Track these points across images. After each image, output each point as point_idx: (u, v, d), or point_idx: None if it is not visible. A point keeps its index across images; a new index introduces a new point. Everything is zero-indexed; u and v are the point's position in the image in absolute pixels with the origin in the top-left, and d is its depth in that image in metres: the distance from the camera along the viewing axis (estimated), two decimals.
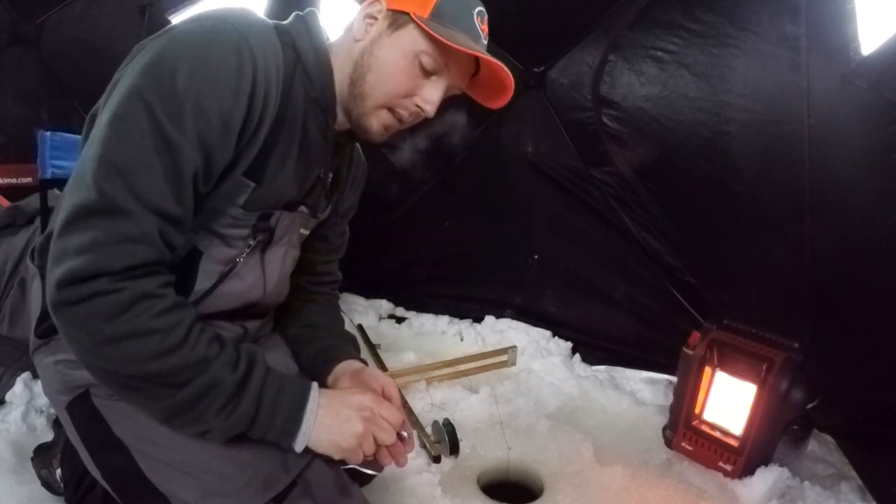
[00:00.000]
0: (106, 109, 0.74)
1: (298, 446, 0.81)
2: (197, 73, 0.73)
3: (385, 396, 0.93)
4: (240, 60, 0.75)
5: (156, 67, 0.73)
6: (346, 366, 1.02)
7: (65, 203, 0.72)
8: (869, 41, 1.41)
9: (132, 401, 0.79)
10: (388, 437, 0.85)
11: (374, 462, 0.89)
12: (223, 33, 0.75)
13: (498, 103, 0.93)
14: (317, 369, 1.04)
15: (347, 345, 1.09)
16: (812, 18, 1.54)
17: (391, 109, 0.89)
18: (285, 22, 0.90)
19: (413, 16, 0.83)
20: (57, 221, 0.72)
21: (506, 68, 0.86)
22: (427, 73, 0.86)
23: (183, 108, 0.72)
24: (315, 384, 0.84)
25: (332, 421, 0.81)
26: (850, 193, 1.52)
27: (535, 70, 2.12)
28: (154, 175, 0.71)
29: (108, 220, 0.69)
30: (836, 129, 1.54)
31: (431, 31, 0.81)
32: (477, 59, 0.88)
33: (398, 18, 0.85)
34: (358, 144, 1.12)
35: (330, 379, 1.01)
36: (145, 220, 0.70)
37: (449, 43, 0.80)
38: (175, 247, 0.76)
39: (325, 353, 1.05)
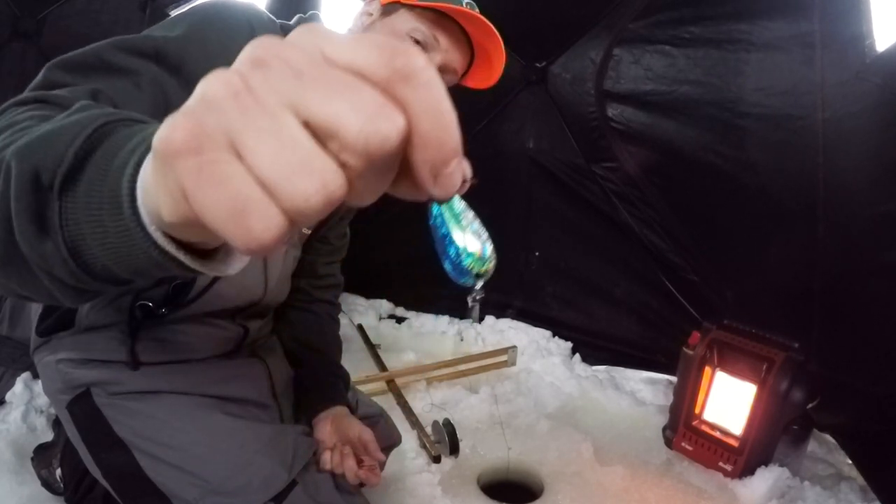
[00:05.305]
0: None
1: None
2: (209, 33, 0.71)
3: (363, 447, 0.97)
4: (251, 32, 0.75)
5: (164, 26, 0.72)
6: (329, 412, 1.01)
7: None
8: (883, 37, 1.40)
9: None
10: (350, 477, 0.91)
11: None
12: (233, 11, 0.77)
13: (491, 79, 0.93)
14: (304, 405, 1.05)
15: (337, 387, 1.08)
16: (825, 14, 1.53)
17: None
18: (290, 22, 0.91)
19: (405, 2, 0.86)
20: None
21: (488, 23, 0.85)
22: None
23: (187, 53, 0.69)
24: None
25: None
26: (864, 189, 1.51)
27: (537, 65, 2.10)
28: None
29: None
30: (850, 124, 1.52)
31: (417, 2, 0.84)
32: (471, 47, 0.89)
33: (391, 8, 0.88)
34: None
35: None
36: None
37: (432, 3, 0.82)
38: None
39: (314, 393, 1.05)
